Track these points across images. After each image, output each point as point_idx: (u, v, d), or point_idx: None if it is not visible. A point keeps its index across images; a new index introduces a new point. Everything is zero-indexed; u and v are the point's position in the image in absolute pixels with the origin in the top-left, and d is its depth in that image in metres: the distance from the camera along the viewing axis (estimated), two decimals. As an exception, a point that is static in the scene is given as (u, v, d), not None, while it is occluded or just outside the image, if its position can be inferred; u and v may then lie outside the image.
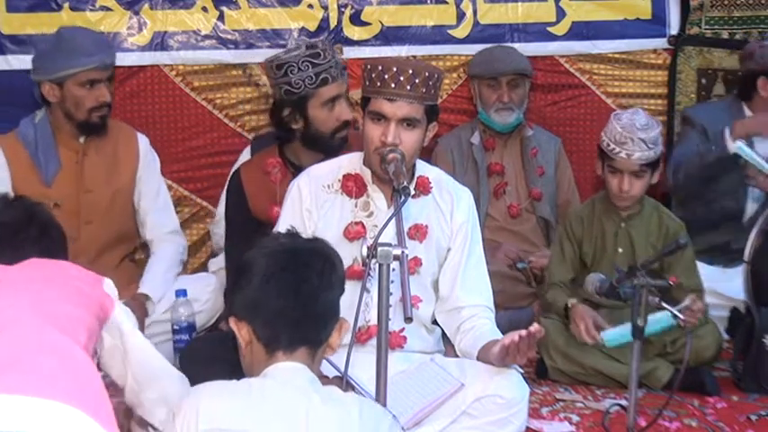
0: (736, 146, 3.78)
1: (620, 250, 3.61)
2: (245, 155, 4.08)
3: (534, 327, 2.62)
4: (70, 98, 3.58)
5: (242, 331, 2.07)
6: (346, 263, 2.86)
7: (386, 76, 2.76)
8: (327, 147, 3.38)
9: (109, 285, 2.25)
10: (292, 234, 2.17)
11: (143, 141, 3.86)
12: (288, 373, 2.02)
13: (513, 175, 4.31)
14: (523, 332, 2.61)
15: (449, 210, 2.98)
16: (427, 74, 2.79)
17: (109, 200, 3.74)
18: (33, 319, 1.90)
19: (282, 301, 2.01)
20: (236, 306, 2.09)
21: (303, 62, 3.41)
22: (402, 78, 2.75)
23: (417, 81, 2.76)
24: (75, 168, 3.67)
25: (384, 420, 2.07)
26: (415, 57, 4.36)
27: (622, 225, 3.62)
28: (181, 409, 1.97)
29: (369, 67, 2.84)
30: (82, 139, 3.68)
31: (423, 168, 3.00)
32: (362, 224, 2.90)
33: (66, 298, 2.03)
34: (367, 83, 2.83)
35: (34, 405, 1.71)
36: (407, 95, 2.76)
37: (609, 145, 3.50)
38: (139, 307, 3.61)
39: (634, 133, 3.44)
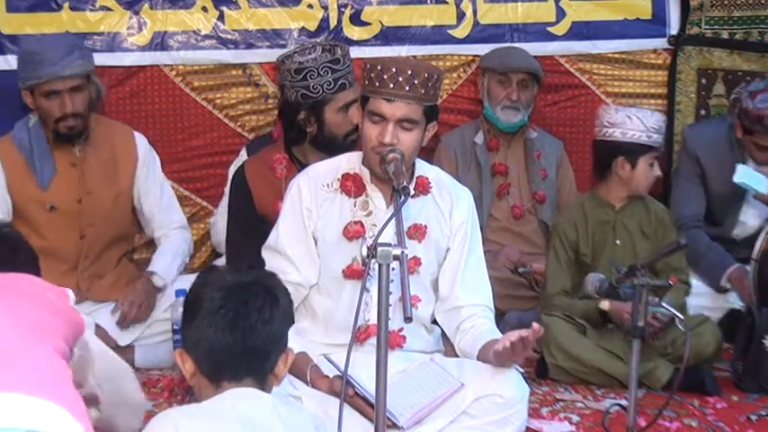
0: (738, 179, 3.85)
1: (619, 242, 3.63)
2: (243, 156, 4.09)
3: (534, 326, 2.62)
4: (39, 108, 3.60)
5: (186, 364, 2.07)
6: (346, 262, 2.89)
7: (384, 77, 2.76)
8: (338, 149, 3.39)
9: (72, 298, 2.24)
10: (237, 269, 2.15)
11: (141, 141, 3.86)
12: (244, 391, 2.03)
13: (516, 176, 4.30)
14: (524, 332, 2.61)
15: (448, 209, 2.97)
16: (426, 74, 2.78)
17: (111, 202, 3.75)
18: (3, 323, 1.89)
19: (221, 338, 2.02)
20: (184, 339, 2.10)
21: (323, 68, 3.43)
22: (401, 79, 2.75)
23: (416, 82, 2.76)
24: (73, 171, 3.67)
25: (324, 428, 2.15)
26: (415, 57, 4.36)
27: (617, 217, 3.63)
28: None
29: (368, 66, 2.83)
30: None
31: (422, 168, 3.00)
32: (361, 223, 2.90)
33: (39, 306, 2.02)
34: (366, 82, 2.83)
35: (19, 402, 1.71)
36: (405, 96, 2.76)
37: (637, 135, 3.56)
38: (147, 284, 3.69)
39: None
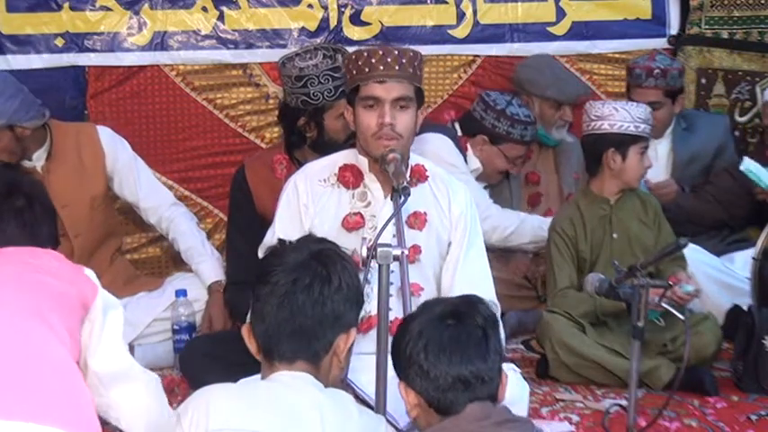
0: (744, 167, 3.84)
1: (615, 236, 3.63)
2: None
3: None
4: None
5: (250, 340, 2.08)
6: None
7: (373, 60, 2.77)
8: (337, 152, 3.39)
9: (90, 273, 2.22)
10: (298, 246, 2.12)
11: (104, 133, 3.79)
12: (291, 378, 2.02)
13: (547, 181, 4.31)
14: None
15: (446, 200, 2.96)
16: (412, 54, 2.82)
17: (89, 209, 3.71)
18: (36, 326, 1.88)
19: (273, 315, 2.02)
20: (250, 316, 2.10)
21: (323, 75, 3.43)
22: (389, 60, 2.77)
23: (404, 61, 2.78)
24: None
25: (380, 427, 2.09)
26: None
27: (613, 210, 3.65)
28: (187, 411, 1.95)
29: (353, 56, 2.84)
30: (34, 159, 3.63)
31: (415, 159, 2.98)
32: (361, 215, 2.89)
33: (51, 300, 2.01)
34: (354, 72, 2.82)
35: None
36: (397, 75, 2.77)
37: (624, 125, 3.56)
38: (217, 296, 3.65)
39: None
